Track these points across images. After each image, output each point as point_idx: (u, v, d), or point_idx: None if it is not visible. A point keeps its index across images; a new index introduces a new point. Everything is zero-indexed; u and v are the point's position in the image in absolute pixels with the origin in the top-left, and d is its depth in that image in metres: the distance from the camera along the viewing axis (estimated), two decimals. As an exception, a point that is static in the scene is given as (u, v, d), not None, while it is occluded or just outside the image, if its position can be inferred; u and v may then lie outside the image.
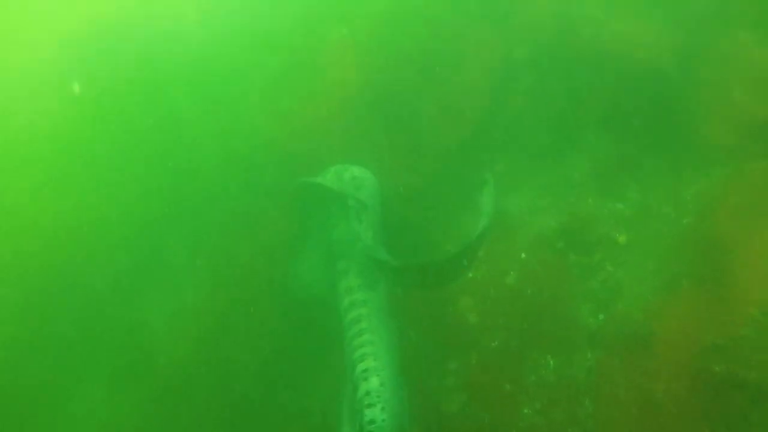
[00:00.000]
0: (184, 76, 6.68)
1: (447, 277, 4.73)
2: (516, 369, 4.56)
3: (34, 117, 6.48)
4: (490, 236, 4.81)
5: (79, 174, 6.19)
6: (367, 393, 4.04)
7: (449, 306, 4.90)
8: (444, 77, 6.08)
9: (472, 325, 4.79)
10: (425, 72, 6.17)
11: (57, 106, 6.54)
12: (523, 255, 4.98)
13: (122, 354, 5.30)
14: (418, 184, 5.62)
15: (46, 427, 5.28)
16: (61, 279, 5.58)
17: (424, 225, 5.50)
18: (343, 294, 4.61)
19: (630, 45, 5.14)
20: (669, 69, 4.97)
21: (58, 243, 5.73)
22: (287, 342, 5.13)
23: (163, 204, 5.95)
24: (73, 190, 6.04)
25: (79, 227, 5.77)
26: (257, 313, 5.21)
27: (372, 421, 3.92)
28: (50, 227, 5.81)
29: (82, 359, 5.37)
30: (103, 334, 5.38)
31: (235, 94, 6.44)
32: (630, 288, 4.55)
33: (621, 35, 5.20)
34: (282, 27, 6.77)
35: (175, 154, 6.24)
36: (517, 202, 5.40)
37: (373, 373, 4.11)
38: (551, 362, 4.53)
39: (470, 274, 4.95)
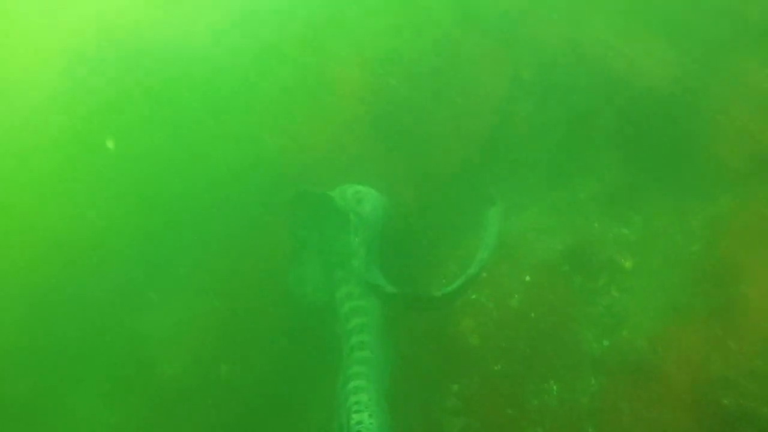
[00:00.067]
0: (192, 86, 6.71)
1: (444, 305, 4.72)
2: (518, 393, 4.49)
3: (40, 124, 6.50)
4: (494, 258, 4.79)
5: (84, 182, 6.18)
6: (357, 403, 4.20)
7: (451, 327, 4.84)
8: (451, 96, 6.10)
9: (474, 348, 4.72)
10: (432, 90, 6.19)
11: (63, 114, 6.56)
12: (527, 277, 4.93)
13: (122, 365, 5.24)
14: (423, 202, 5.60)
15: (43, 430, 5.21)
16: (62, 287, 5.54)
17: (427, 244, 5.47)
18: (344, 299, 4.63)
19: (638, 69, 5.16)
20: (677, 94, 4.98)
21: (60, 251, 5.70)
22: (289, 355, 5.08)
23: (166, 214, 5.93)
24: (76, 198, 6.03)
25: (82, 236, 5.75)
26: (259, 326, 5.17)
27: (359, 422, 4.09)
28: (53, 235, 5.79)
29: (82, 369, 5.31)
30: (103, 344, 5.32)
31: (243, 107, 6.46)
32: (635, 314, 4.50)
33: (630, 60, 5.22)
34: (291, 41, 6.81)
35: (180, 164, 6.24)
36: (522, 224, 5.36)
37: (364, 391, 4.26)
38: (554, 387, 4.46)
39: (473, 296, 4.90)
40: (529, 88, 5.92)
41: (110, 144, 6.44)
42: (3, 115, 6.60)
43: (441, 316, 4.86)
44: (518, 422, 4.34)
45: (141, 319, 5.46)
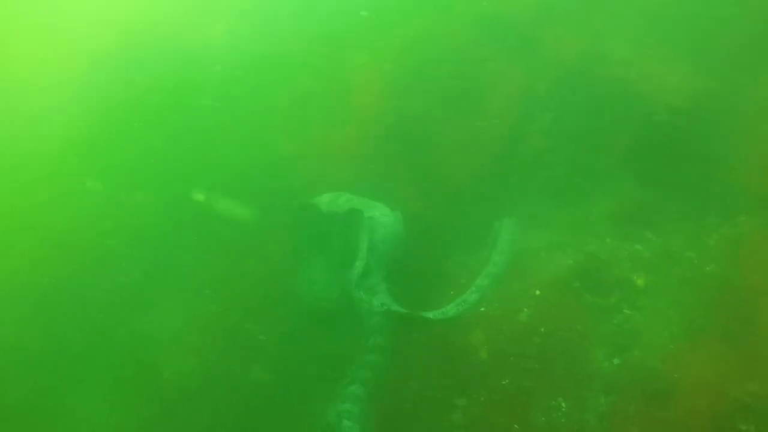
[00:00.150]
0: (208, 89, 6.77)
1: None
2: (526, 409, 4.40)
3: (51, 127, 6.57)
4: (505, 273, 4.76)
5: (92, 183, 6.22)
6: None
7: (459, 339, 4.78)
8: (466, 108, 6.10)
9: (483, 361, 4.65)
10: (446, 103, 6.20)
11: (74, 118, 6.63)
12: (537, 292, 4.86)
13: (123, 365, 5.21)
14: (435, 214, 5.58)
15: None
16: (65, 286, 5.55)
17: (438, 256, 5.43)
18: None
19: (658, 87, 5.12)
20: (696, 113, 4.93)
21: (65, 250, 5.72)
22: (291, 358, 5.03)
23: (172, 215, 5.94)
24: (85, 199, 6.06)
25: (89, 236, 5.77)
26: (261, 329, 5.15)
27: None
28: (60, 235, 5.82)
29: (83, 369, 5.28)
30: (105, 345, 5.30)
31: (258, 111, 6.49)
32: (648, 333, 4.41)
33: (649, 76, 5.19)
34: (309, 49, 6.87)
35: (190, 167, 6.27)
36: (533, 239, 5.30)
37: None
38: (563, 404, 4.38)
39: (482, 308, 4.86)
40: (544, 102, 5.91)
41: (123, 144, 6.50)
42: (17, 115, 6.69)
43: (450, 328, 4.81)
44: (525, 439, 4.26)
45: (143, 319, 5.44)
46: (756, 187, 4.56)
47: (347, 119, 6.23)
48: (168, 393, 5.05)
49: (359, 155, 5.89)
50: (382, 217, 5.27)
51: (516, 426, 4.30)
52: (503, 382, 4.53)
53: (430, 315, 4.66)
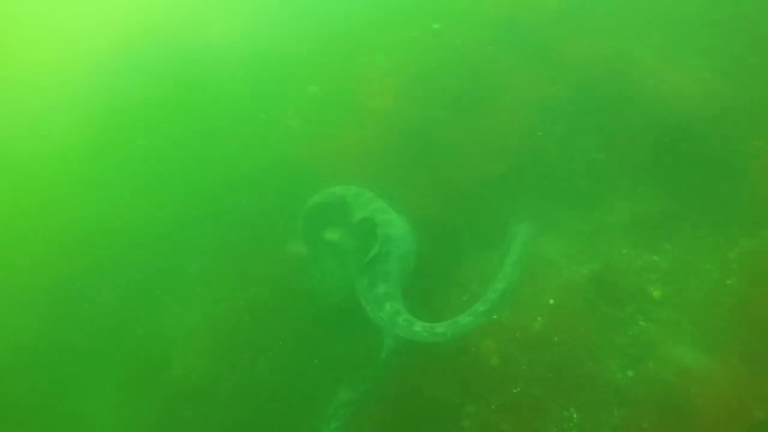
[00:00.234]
0: (218, 92, 6.76)
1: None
2: (537, 419, 4.34)
3: (59, 127, 6.59)
4: (518, 281, 4.68)
5: (103, 183, 6.24)
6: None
7: (471, 346, 4.73)
8: (481, 111, 6.02)
9: (494, 369, 4.60)
10: (461, 106, 6.13)
11: (84, 117, 6.64)
12: (551, 301, 4.80)
13: (138, 361, 5.22)
14: (448, 219, 5.51)
15: (58, 426, 5.18)
16: (82, 284, 5.56)
17: (451, 261, 5.37)
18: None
19: (678, 93, 5.02)
20: (718, 121, 4.82)
21: (80, 249, 5.74)
22: (304, 359, 5.01)
23: (186, 214, 5.93)
24: (97, 198, 6.07)
25: (102, 234, 5.78)
26: (273, 330, 5.11)
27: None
28: (74, 233, 5.83)
29: (98, 363, 5.30)
30: (120, 340, 5.31)
31: (269, 111, 6.46)
32: (663, 346, 4.33)
33: (671, 84, 5.08)
34: (321, 50, 6.83)
35: (200, 167, 6.25)
36: (548, 247, 5.23)
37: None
38: (575, 415, 4.32)
39: (494, 316, 4.79)
40: (561, 107, 5.83)
41: (140, 142, 6.50)
42: (33, 113, 6.72)
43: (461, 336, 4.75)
44: (535, 449, 4.21)
45: (158, 318, 5.44)
46: (778, 201, 4.46)
47: (360, 121, 6.19)
48: (177, 389, 5.05)
49: (371, 158, 5.84)
50: (394, 220, 5.22)
51: (527, 436, 4.25)
52: (515, 391, 4.47)
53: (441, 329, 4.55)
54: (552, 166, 5.64)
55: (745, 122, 4.84)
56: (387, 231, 4.85)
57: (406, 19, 7.01)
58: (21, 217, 6.10)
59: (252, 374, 5.00)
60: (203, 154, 6.24)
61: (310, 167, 5.88)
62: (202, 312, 5.38)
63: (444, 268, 5.23)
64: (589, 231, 5.26)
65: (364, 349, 4.79)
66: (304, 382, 4.93)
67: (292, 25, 7.24)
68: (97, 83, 6.87)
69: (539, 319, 4.74)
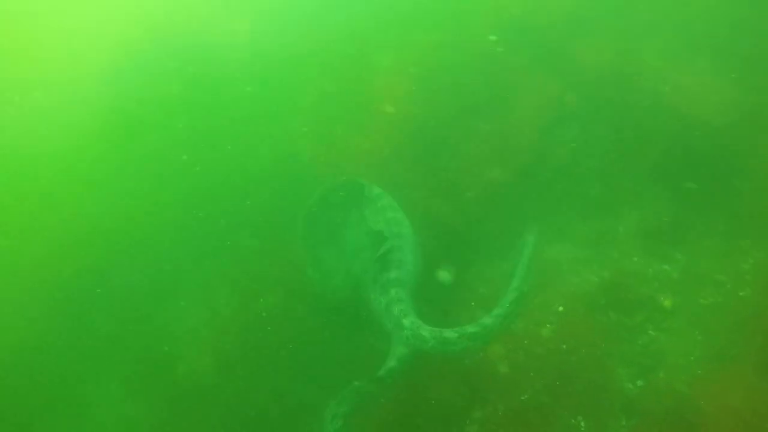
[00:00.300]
0: (229, 91, 6.75)
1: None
2: (544, 426, 4.30)
3: (78, 120, 6.58)
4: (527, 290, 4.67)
5: (117, 178, 6.23)
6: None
7: (479, 352, 4.71)
8: (491, 114, 6.00)
9: (502, 375, 4.55)
10: (472, 107, 6.10)
11: (102, 110, 6.64)
12: (560, 308, 4.75)
13: (141, 361, 5.20)
14: (454, 223, 5.49)
15: (61, 425, 5.18)
16: (90, 279, 5.54)
17: (459, 264, 5.35)
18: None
19: (692, 100, 4.98)
20: (733, 128, 4.78)
21: (83, 249, 5.72)
22: (310, 363, 4.98)
23: (190, 216, 5.92)
24: (110, 193, 6.06)
25: (113, 230, 5.77)
26: (282, 331, 5.08)
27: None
28: (83, 228, 5.82)
29: (101, 363, 5.28)
30: (124, 341, 5.29)
31: (282, 111, 6.45)
32: (674, 357, 4.28)
33: (684, 90, 5.04)
34: (334, 50, 6.82)
35: (212, 165, 6.24)
36: (558, 253, 5.19)
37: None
38: (582, 424, 4.27)
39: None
40: (572, 111, 5.80)
41: (143, 142, 6.49)
42: (48, 109, 6.72)
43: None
44: (542, 457, 4.18)
45: (161, 319, 5.42)
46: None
47: (369, 122, 6.17)
48: (181, 388, 5.03)
49: (378, 159, 5.82)
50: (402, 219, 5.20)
51: (534, 443, 4.22)
52: (522, 398, 4.43)
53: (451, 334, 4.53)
54: (562, 172, 5.61)
55: (761, 130, 4.80)
56: (398, 230, 4.84)
57: (416, 20, 6.99)
58: (23, 217, 6.09)
59: (255, 376, 4.97)
60: (208, 155, 6.23)
61: (315, 168, 5.86)
62: (206, 312, 5.37)
63: (451, 272, 5.20)
64: (599, 238, 5.22)
65: (371, 352, 4.76)
66: (308, 385, 4.90)
67: (298, 24, 7.23)
68: (101, 81, 6.86)
69: (548, 326, 4.70)
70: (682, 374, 4.15)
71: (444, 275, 5.05)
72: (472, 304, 4.98)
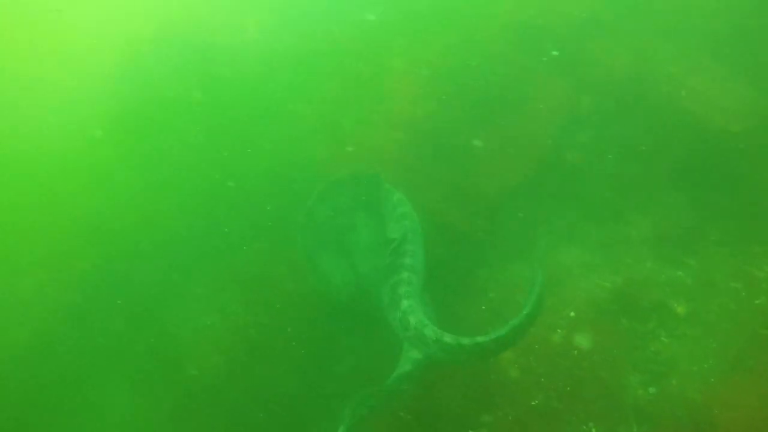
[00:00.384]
0: (240, 89, 6.75)
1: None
2: (555, 431, 4.31)
3: (87, 118, 6.61)
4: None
5: (125, 179, 6.24)
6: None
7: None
8: (503, 119, 5.97)
9: (512, 380, 4.54)
10: (484, 109, 6.08)
11: (111, 109, 6.67)
12: (572, 313, 4.73)
13: (150, 361, 5.23)
14: (466, 226, 5.48)
15: (69, 423, 5.22)
16: (98, 279, 5.57)
17: (469, 267, 5.34)
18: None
19: (708, 107, 4.94)
20: (750, 135, 4.73)
21: (100, 243, 5.75)
22: (318, 365, 4.99)
23: (204, 215, 5.94)
24: (119, 194, 6.07)
25: (122, 230, 5.78)
26: (291, 334, 5.09)
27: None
28: (93, 228, 5.84)
29: (110, 362, 5.31)
30: (135, 336, 5.32)
31: (294, 110, 6.46)
32: (687, 364, 4.25)
33: (700, 95, 5.00)
34: (346, 50, 6.81)
35: (221, 166, 6.26)
36: (570, 258, 5.17)
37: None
38: (593, 430, 4.26)
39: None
40: (587, 116, 5.76)
41: (154, 141, 6.51)
42: (56, 108, 6.76)
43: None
44: (552, 463, 4.16)
45: (170, 319, 5.44)
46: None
47: (381, 123, 6.16)
48: (189, 389, 5.03)
49: (390, 160, 5.81)
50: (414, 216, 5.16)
51: (544, 449, 4.21)
52: (533, 403, 4.42)
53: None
54: (575, 176, 5.57)
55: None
56: (411, 225, 4.81)
57: (429, 22, 6.97)
58: (33, 216, 6.12)
59: (265, 376, 4.97)
60: (219, 155, 6.25)
61: (326, 168, 5.86)
62: (215, 313, 5.37)
63: (461, 275, 5.19)
64: (612, 243, 5.19)
65: (381, 355, 4.75)
66: (318, 387, 4.90)
67: (311, 24, 7.22)
68: (110, 80, 6.89)
69: (559, 331, 4.68)
70: (695, 382, 4.12)
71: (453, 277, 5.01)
72: (483, 307, 4.97)
